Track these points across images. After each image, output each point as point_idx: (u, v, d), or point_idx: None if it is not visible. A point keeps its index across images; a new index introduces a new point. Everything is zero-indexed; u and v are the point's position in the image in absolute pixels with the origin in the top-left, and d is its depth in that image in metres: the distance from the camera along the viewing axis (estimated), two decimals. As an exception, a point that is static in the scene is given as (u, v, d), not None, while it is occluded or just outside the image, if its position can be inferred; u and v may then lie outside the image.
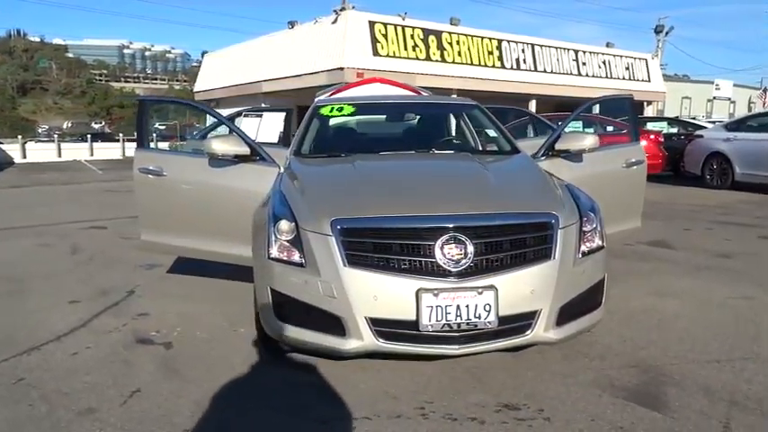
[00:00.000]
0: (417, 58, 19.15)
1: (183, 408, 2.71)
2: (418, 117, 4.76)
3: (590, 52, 22.78)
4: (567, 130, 4.38)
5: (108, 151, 25.95)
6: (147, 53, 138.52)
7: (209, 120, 24.41)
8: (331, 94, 6.68)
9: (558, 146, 4.13)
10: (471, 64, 20.10)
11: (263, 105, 19.75)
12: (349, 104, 4.59)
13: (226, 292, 4.55)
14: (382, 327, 2.67)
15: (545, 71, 21.58)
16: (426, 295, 2.60)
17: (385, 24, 18.61)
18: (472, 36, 20.24)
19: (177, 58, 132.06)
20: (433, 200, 2.98)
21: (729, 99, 28.82)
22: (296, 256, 2.84)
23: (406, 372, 3.01)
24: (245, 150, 3.98)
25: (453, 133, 4.76)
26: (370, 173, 3.49)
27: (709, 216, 8.05)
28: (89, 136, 29.25)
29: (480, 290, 2.63)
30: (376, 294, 2.65)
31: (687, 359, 3.15)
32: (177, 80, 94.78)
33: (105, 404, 2.75)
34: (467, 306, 2.62)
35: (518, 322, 2.72)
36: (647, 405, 2.65)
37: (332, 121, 4.54)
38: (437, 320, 2.61)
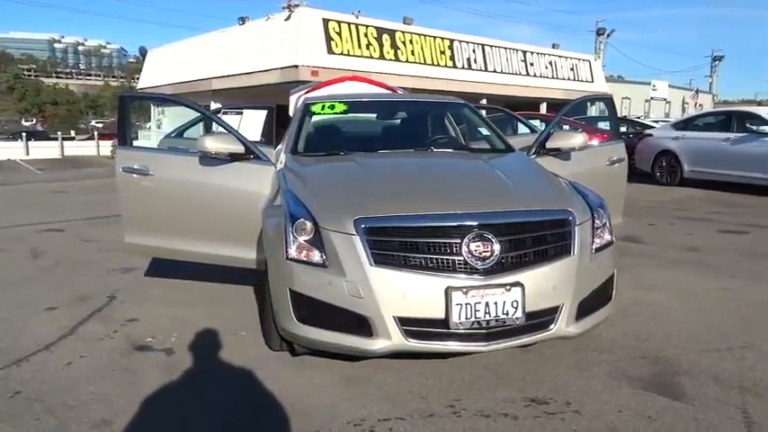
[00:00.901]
0: (371, 57, 19.12)
1: (206, 415, 2.61)
2: (408, 115, 4.75)
3: (537, 53, 23.36)
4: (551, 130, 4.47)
5: (45, 150, 24.75)
6: (80, 48, 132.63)
7: (166, 118, 23.73)
8: (307, 92, 6.58)
9: (549, 144, 4.21)
10: (424, 63, 20.25)
11: (212, 104, 19.32)
12: (341, 102, 4.53)
13: (213, 294, 4.42)
14: (410, 326, 2.65)
15: (495, 71, 21.98)
16: (456, 293, 2.60)
17: (339, 22, 18.50)
18: (425, 35, 20.39)
19: (113, 54, 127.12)
20: (454, 198, 2.98)
21: (665, 99, 30.26)
22: (316, 257, 2.78)
23: (425, 370, 3.00)
24: (240, 149, 3.88)
25: (446, 132, 4.77)
26: (381, 171, 3.46)
27: (667, 212, 8.40)
28: (24, 134, 27.80)
29: (508, 287, 2.65)
30: (404, 293, 2.63)
31: (689, 349, 3.28)
32: (113, 76, 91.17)
33: (119, 415, 2.62)
34: (495, 303, 2.63)
35: (542, 318, 2.76)
36: (666, 394, 2.73)
37: (324, 119, 4.47)
38: (467, 318, 2.61)
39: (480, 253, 2.66)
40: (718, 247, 5.97)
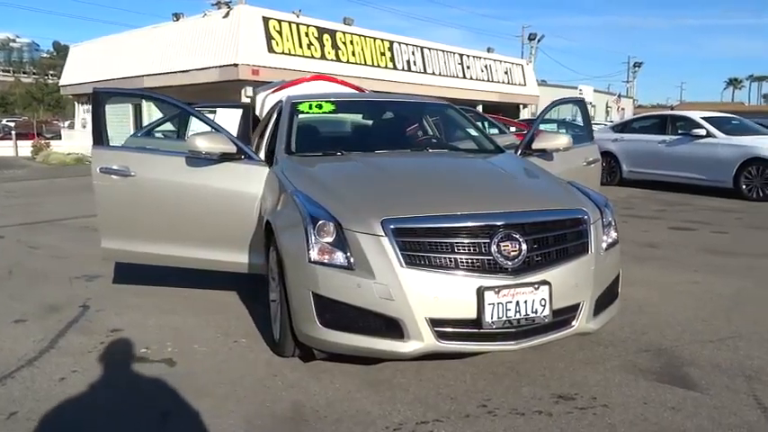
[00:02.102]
0: (313, 57, 18.94)
1: (234, 426, 2.48)
2: (395, 115, 4.72)
3: (473, 56, 23.88)
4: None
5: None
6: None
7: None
8: (273, 91, 6.44)
9: (535, 145, 4.30)
10: (365, 64, 20.25)
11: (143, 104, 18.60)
12: (328, 102, 4.45)
13: (194, 301, 4.24)
14: (442, 327, 2.63)
15: (434, 73, 22.29)
16: (489, 293, 2.60)
17: (279, 21, 18.21)
18: (365, 36, 20.40)
19: (23, 48, 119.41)
20: (477, 198, 2.99)
21: (591, 103, 31.64)
22: (340, 259, 2.71)
23: (443, 371, 2.98)
24: (232, 148, 3.74)
25: (436, 132, 4.78)
26: (391, 171, 3.42)
27: (616, 210, 8.76)
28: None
29: (537, 285, 2.68)
30: (436, 294, 2.61)
31: (685, 340, 3.43)
32: (25, 72, 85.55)
33: (143, 430, 2.45)
34: (525, 302, 2.65)
35: (566, 315, 2.81)
36: (680, 385, 2.85)
37: (310, 118, 4.37)
38: (498, 318, 2.62)
39: (509, 252, 2.68)
40: (675, 243, 6.30)
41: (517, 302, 2.64)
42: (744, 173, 9.51)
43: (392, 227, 2.67)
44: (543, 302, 2.68)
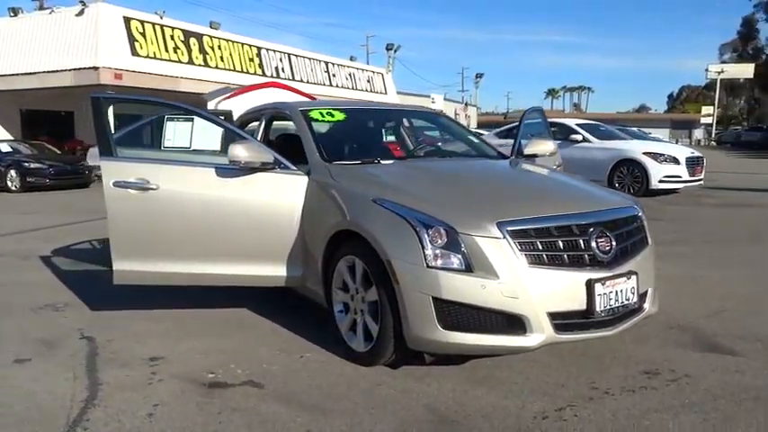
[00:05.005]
0: (180, 61, 18.02)
1: (394, 438, 2.46)
2: (399, 124, 4.81)
3: (338, 65, 24.29)
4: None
5: None
6: None
7: None
8: (226, 98, 6.20)
9: (527, 151, 4.66)
10: (234, 70, 19.71)
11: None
12: (338, 110, 4.43)
13: (209, 321, 4.02)
14: (558, 319, 2.84)
15: (302, 80, 22.27)
16: (597, 285, 2.86)
17: (142, 22, 17.08)
18: (233, 41, 19.86)
19: None
20: (558, 200, 3.24)
21: (442, 111, 33.74)
22: (456, 262, 2.80)
23: (529, 363, 3.17)
24: (270, 158, 3.61)
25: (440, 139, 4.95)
26: (458, 178, 3.56)
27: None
28: None
29: (628, 275, 3.00)
30: (553, 290, 2.81)
31: (694, 316, 3.96)
32: None
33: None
34: (621, 290, 2.96)
35: (642, 301, 3.17)
36: (724, 352, 3.34)
37: (323, 127, 4.32)
38: (605, 307, 2.89)
39: (604, 247, 2.96)
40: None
41: (616, 292, 2.94)
42: (616, 173, 10.90)
43: (508, 229, 2.82)
44: (633, 290, 3.01)
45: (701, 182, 11.39)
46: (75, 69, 16.27)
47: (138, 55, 16.82)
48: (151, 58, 17.14)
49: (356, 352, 3.23)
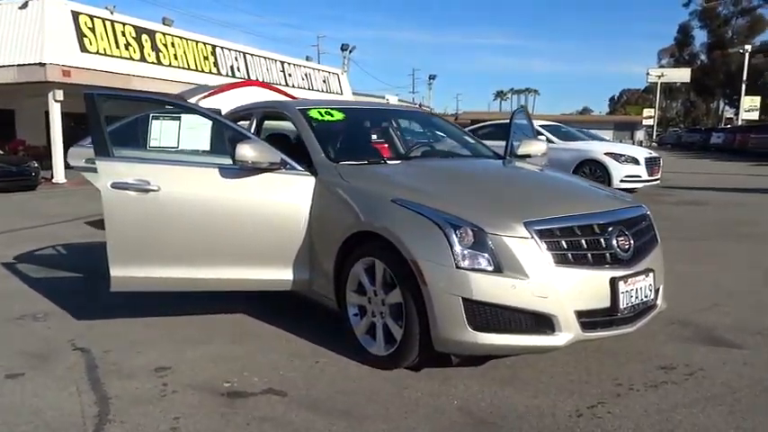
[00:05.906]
0: (132, 59, 17.42)
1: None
2: (396, 124, 4.76)
3: (294, 65, 24.01)
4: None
5: None
6: None
7: None
8: (204, 97, 6.01)
9: (520, 151, 4.70)
10: (188, 68, 19.20)
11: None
12: (336, 109, 4.34)
13: (209, 327, 3.88)
14: (585, 318, 2.85)
15: (257, 80, 21.88)
16: (620, 283, 2.89)
17: (92, 17, 16.41)
18: (187, 39, 19.34)
19: None
20: (576, 200, 3.27)
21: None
22: (484, 263, 2.78)
23: (549, 362, 3.19)
24: (277, 158, 3.50)
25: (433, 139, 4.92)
26: (473, 178, 3.54)
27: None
28: None
29: (647, 272, 3.05)
30: (580, 288, 2.83)
31: (689, 311, 4.06)
32: None
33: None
34: (641, 288, 3.00)
35: (656, 298, 3.23)
36: (730, 346, 3.44)
37: (325, 128, 4.21)
38: (628, 304, 2.93)
39: (624, 245, 3.00)
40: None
41: (636, 289, 2.98)
42: (580, 172, 11.17)
43: (536, 228, 2.82)
44: (650, 287, 3.07)
45: (659, 181, 11.82)
46: (19, 65, 15.48)
47: (88, 51, 16.16)
48: (101, 54, 16.49)
49: (374, 355, 3.16)
